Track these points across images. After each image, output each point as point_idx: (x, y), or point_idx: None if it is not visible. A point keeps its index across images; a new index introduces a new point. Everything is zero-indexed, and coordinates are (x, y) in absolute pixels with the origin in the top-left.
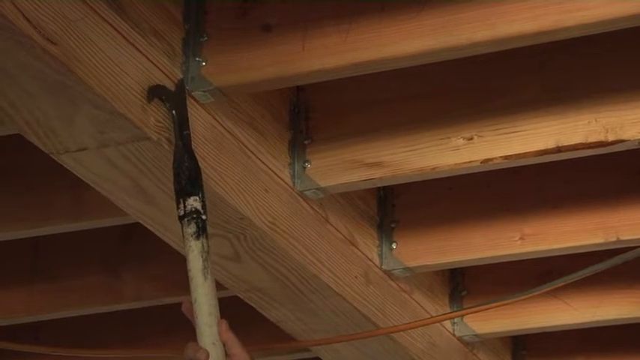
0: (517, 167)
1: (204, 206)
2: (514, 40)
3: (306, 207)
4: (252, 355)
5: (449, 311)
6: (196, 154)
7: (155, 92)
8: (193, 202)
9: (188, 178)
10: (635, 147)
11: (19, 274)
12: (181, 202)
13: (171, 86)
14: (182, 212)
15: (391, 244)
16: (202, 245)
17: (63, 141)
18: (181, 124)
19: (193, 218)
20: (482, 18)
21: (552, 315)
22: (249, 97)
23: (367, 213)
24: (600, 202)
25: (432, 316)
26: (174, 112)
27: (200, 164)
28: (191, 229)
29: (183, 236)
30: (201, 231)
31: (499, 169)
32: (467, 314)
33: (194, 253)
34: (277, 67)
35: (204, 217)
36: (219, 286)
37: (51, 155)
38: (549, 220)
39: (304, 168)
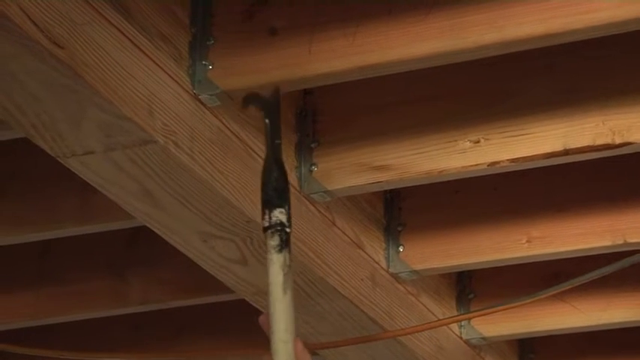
0: (524, 170)
1: (289, 219)
2: (522, 42)
3: (312, 210)
4: None
5: (456, 314)
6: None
7: (250, 99)
8: (279, 215)
9: (275, 189)
10: None
11: (26, 278)
12: (267, 212)
13: (178, 90)
14: (267, 223)
15: (398, 247)
16: (284, 259)
17: (70, 144)
18: (273, 134)
19: (277, 230)
20: (490, 20)
21: (559, 318)
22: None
23: (374, 216)
24: (607, 205)
25: (439, 319)
26: (267, 120)
27: (206, 167)
28: (274, 241)
29: (267, 248)
30: (285, 244)
31: (506, 172)
32: (474, 317)
33: (275, 266)
34: (284, 71)
35: (288, 230)
36: (225, 289)
37: (58, 159)
38: (556, 223)
39: (311, 171)
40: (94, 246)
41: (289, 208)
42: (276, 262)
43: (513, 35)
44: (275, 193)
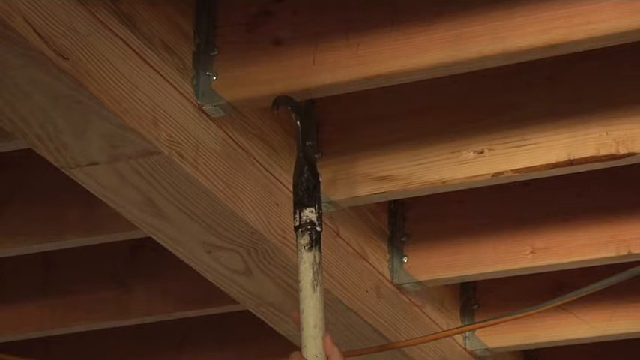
0: (528, 180)
1: (319, 218)
2: (524, 53)
3: None
4: None
5: (460, 325)
6: (313, 165)
7: (281, 101)
8: (309, 214)
9: (306, 189)
10: None
11: (29, 289)
12: (297, 212)
13: (182, 101)
14: (297, 223)
15: (402, 257)
16: (314, 257)
17: (74, 155)
18: (305, 136)
19: (308, 229)
20: (492, 32)
21: (564, 329)
22: (259, 110)
23: (378, 227)
24: (611, 216)
25: (444, 330)
26: (298, 122)
27: (211, 178)
28: (304, 240)
29: (297, 247)
30: (315, 242)
31: (510, 183)
32: (478, 328)
33: (305, 264)
34: (288, 81)
35: (318, 229)
36: (229, 300)
37: (62, 170)
38: (560, 234)
39: None
40: (98, 257)
41: (319, 208)
42: (307, 261)
43: (516, 46)
44: (306, 193)
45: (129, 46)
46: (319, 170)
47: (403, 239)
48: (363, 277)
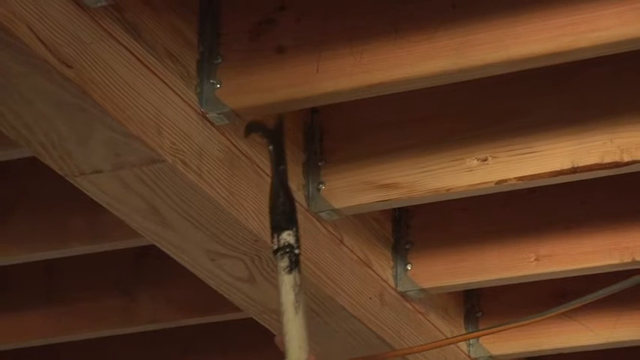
0: (532, 188)
1: (297, 240)
2: (528, 61)
3: (320, 228)
4: None
5: (464, 332)
6: (289, 188)
7: (253, 127)
8: (287, 237)
9: (283, 212)
10: None
11: (34, 297)
12: (275, 236)
13: (186, 108)
14: (276, 246)
15: (406, 265)
16: (294, 279)
17: (78, 163)
18: (277, 160)
19: (286, 252)
20: (496, 39)
21: (568, 336)
22: (263, 118)
23: (382, 234)
24: (616, 223)
25: (448, 338)
26: (271, 147)
27: (215, 186)
28: (284, 263)
29: (277, 270)
30: (294, 265)
31: (514, 190)
32: (482, 335)
33: (286, 287)
34: (291, 89)
35: (297, 251)
36: (233, 307)
37: (66, 178)
38: (565, 241)
39: (319, 189)
40: (103, 265)
41: (297, 230)
42: (287, 283)
43: (519, 54)
44: (283, 216)
45: (133, 54)
46: (323, 178)
47: (407, 247)
48: (367, 285)
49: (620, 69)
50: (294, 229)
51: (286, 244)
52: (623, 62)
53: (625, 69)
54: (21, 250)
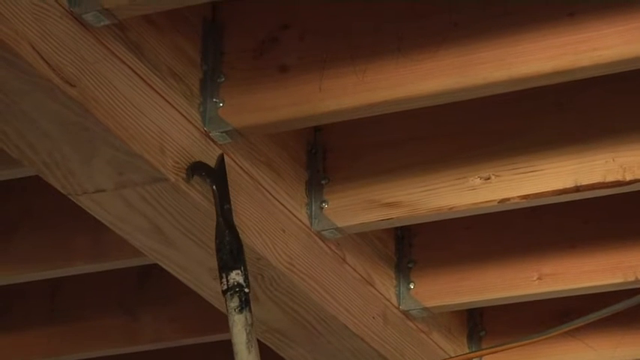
0: (535, 207)
1: (246, 279)
2: (530, 80)
3: (323, 247)
4: None
5: (467, 351)
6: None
7: (195, 169)
8: (235, 276)
9: (230, 252)
10: None
11: (37, 316)
12: (224, 276)
13: (189, 127)
14: (225, 287)
15: (409, 284)
16: (246, 318)
17: (81, 182)
18: (222, 200)
19: (236, 292)
20: (499, 58)
21: (571, 355)
22: (266, 137)
23: (384, 253)
24: (618, 242)
25: (451, 357)
26: (214, 187)
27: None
28: (234, 303)
29: (227, 310)
30: (244, 304)
31: (517, 209)
32: (486, 354)
33: (238, 327)
34: (294, 108)
35: (246, 290)
36: None
37: (69, 197)
38: (567, 260)
39: (322, 208)
40: (106, 284)
41: (245, 269)
42: (239, 323)
43: (522, 73)
44: (230, 256)
45: (136, 73)
46: (325, 196)
47: (410, 265)
48: (370, 304)
49: (623, 88)
50: (242, 267)
51: (235, 283)
52: (625, 81)
53: (627, 88)
54: (24, 269)
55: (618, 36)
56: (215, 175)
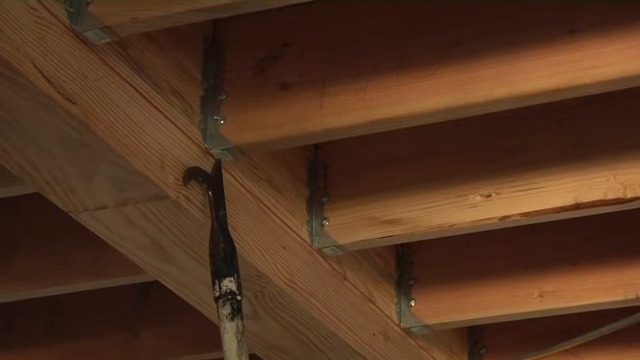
0: (536, 224)
1: (239, 287)
2: (531, 97)
3: (324, 264)
4: None
5: None
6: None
7: (192, 174)
8: (228, 284)
9: (223, 259)
10: None
11: (38, 333)
12: (217, 283)
13: (189, 144)
14: (217, 293)
15: (410, 301)
16: (237, 326)
17: (82, 199)
18: (217, 206)
19: (228, 299)
20: (500, 75)
21: None
22: (267, 154)
23: (385, 270)
24: (619, 260)
25: None
26: (210, 193)
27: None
28: (226, 310)
29: (219, 317)
30: (236, 312)
31: (518, 226)
32: None
33: (229, 334)
34: (295, 125)
35: (239, 297)
36: None
37: (70, 214)
38: (568, 278)
39: (322, 225)
40: (106, 301)
41: (239, 277)
42: (230, 331)
43: (523, 90)
44: (223, 263)
45: (137, 90)
46: (326, 214)
47: (411, 282)
48: (371, 321)
49: (623, 105)
50: (235, 275)
51: (228, 291)
52: (626, 98)
53: (628, 105)
54: (25, 287)
55: (619, 54)
56: (211, 181)
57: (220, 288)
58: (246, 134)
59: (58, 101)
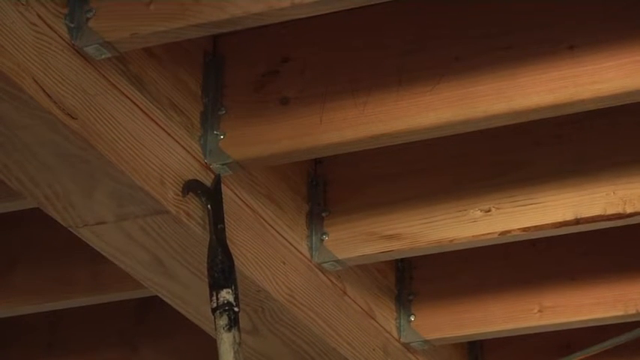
0: (535, 239)
1: (236, 298)
2: (530, 112)
3: (323, 279)
4: None
5: None
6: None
7: (191, 186)
8: (226, 295)
9: (221, 271)
10: None
11: (37, 349)
12: (214, 294)
13: (189, 159)
14: (215, 304)
15: (409, 316)
16: (234, 337)
17: (82, 214)
18: (216, 219)
19: (225, 310)
20: (499, 91)
21: None
22: (267, 169)
23: (385, 285)
24: (619, 274)
25: None
26: (209, 206)
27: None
28: (223, 321)
29: (216, 328)
30: (233, 323)
31: (517, 241)
32: None
33: (225, 345)
34: (295, 140)
35: (236, 309)
36: None
37: (69, 229)
38: (568, 293)
39: (322, 240)
40: (105, 316)
41: (236, 288)
42: (226, 342)
43: (522, 105)
44: (221, 275)
45: (137, 105)
46: (326, 229)
47: (410, 298)
48: (371, 336)
49: (623, 120)
50: (233, 286)
51: (225, 302)
52: (624, 113)
53: (627, 120)
54: (24, 302)
55: (618, 69)
56: (210, 195)
57: (217, 299)
58: (246, 149)
59: (59, 116)
